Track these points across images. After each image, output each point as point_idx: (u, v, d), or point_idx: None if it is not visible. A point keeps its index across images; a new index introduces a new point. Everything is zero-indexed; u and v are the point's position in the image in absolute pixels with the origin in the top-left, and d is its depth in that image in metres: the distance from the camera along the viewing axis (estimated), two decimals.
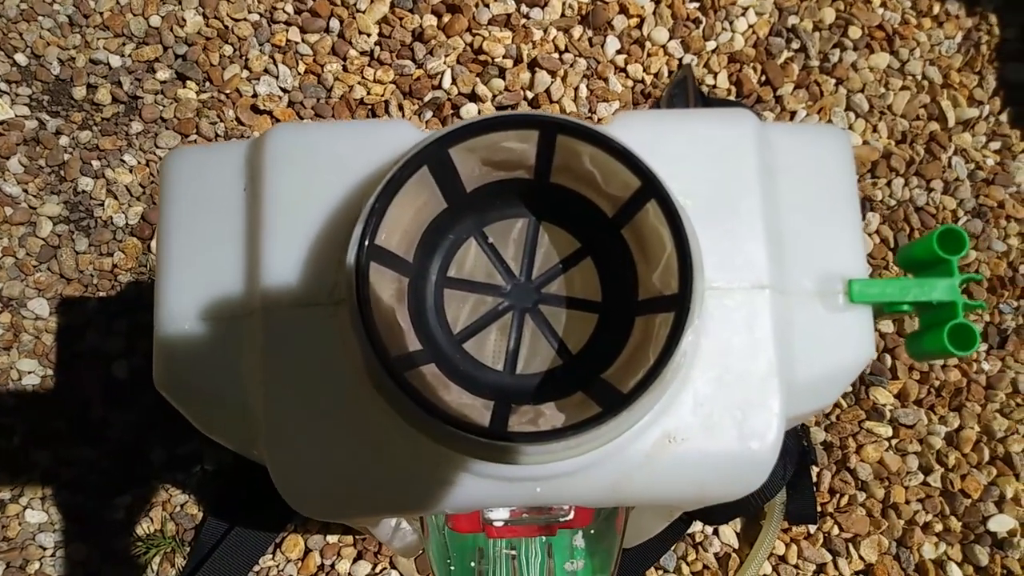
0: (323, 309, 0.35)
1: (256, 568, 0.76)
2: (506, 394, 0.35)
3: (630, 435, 0.34)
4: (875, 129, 0.92)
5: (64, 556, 0.75)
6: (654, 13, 0.92)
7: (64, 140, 0.85)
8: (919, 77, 0.93)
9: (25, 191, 0.83)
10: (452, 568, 0.42)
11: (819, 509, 0.80)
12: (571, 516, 0.36)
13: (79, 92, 0.86)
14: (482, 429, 0.30)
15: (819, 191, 0.39)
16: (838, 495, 0.80)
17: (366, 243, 0.31)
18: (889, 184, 0.89)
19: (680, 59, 0.90)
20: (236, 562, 0.74)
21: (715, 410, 0.34)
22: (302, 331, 0.35)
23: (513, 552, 0.42)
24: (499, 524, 0.36)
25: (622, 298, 0.36)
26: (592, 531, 0.41)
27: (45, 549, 0.75)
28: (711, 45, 0.92)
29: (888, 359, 0.84)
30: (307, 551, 0.77)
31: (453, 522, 0.44)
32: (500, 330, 0.37)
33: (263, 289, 0.35)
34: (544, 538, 0.41)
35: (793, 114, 0.90)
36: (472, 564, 0.43)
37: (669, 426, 0.34)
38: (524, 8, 0.91)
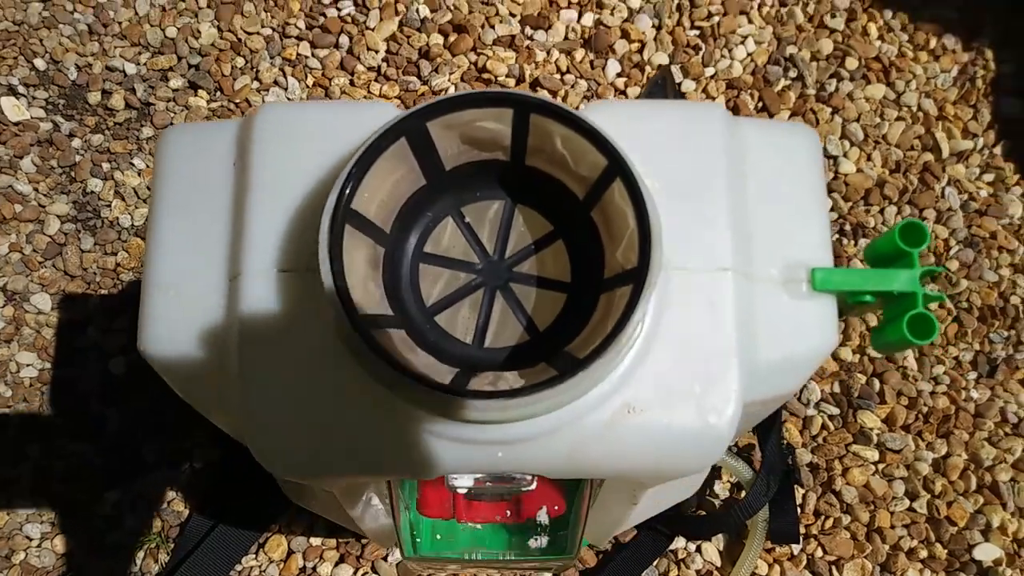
0: (301, 275, 0.36)
1: (238, 567, 0.76)
2: (473, 365, 0.36)
3: (590, 403, 0.35)
4: (869, 158, 0.93)
5: (50, 548, 0.76)
6: (655, 39, 0.94)
7: (76, 142, 0.88)
8: (914, 108, 0.95)
9: (35, 190, 0.86)
10: (418, 541, 0.43)
11: (803, 531, 0.79)
12: (533, 486, 0.37)
13: (94, 97, 0.89)
14: (441, 384, 0.31)
15: (787, 184, 0.40)
16: (823, 517, 0.80)
17: (342, 202, 0.32)
18: (882, 212, 0.91)
19: (680, 84, 0.93)
20: (218, 560, 0.74)
21: (674, 384, 0.36)
22: (280, 296, 0.36)
23: (478, 526, 0.43)
24: (462, 491, 0.37)
25: (589, 278, 0.37)
26: (556, 509, 0.42)
27: (31, 540, 0.76)
28: (710, 71, 0.94)
29: (876, 383, 0.85)
30: (290, 552, 0.77)
31: (422, 506, 0.45)
32: (471, 306, 0.38)
33: (246, 255, 0.37)
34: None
35: None
36: (438, 537, 0.43)
37: (628, 397, 0.35)
38: (528, 30, 0.94)
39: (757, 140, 0.40)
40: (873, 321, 0.87)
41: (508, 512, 0.45)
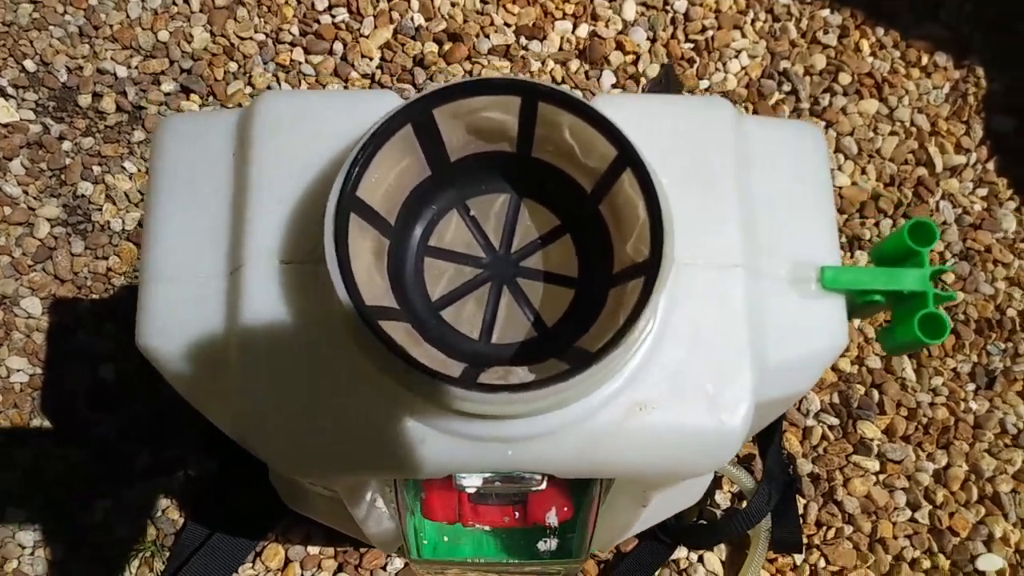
0: (304, 267, 0.36)
1: None
2: (481, 360, 0.35)
3: (600, 400, 0.34)
4: (863, 171, 0.93)
5: (43, 556, 0.74)
6: (649, 51, 0.94)
7: (67, 145, 0.87)
8: (907, 124, 0.95)
9: (25, 192, 0.85)
10: (424, 543, 0.42)
11: (805, 541, 0.79)
12: (543, 486, 0.36)
13: (84, 100, 0.88)
14: (450, 378, 0.30)
15: (794, 182, 0.40)
16: (825, 527, 0.79)
17: (347, 189, 0.32)
18: (877, 224, 0.91)
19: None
20: (215, 569, 0.72)
21: (686, 382, 0.35)
22: (282, 288, 0.35)
23: (485, 528, 0.42)
24: (471, 490, 0.36)
25: (598, 273, 0.37)
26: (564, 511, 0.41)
27: (24, 548, 0.74)
28: (704, 84, 0.94)
29: (876, 394, 0.84)
30: (287, 561, 0.76)
31: (427, 510, 0.44)
32: (477, 301, 0.37)
33: (247, 247, 0.36)
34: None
35: None
36: (444, 539, 0.42)
37: (639, 395, 0.34)
38: (523, 40, 0.94)
39: (763, 138, 0.40)
40: (871, 332, 0.87)
41: (516, 515, 0.44)
